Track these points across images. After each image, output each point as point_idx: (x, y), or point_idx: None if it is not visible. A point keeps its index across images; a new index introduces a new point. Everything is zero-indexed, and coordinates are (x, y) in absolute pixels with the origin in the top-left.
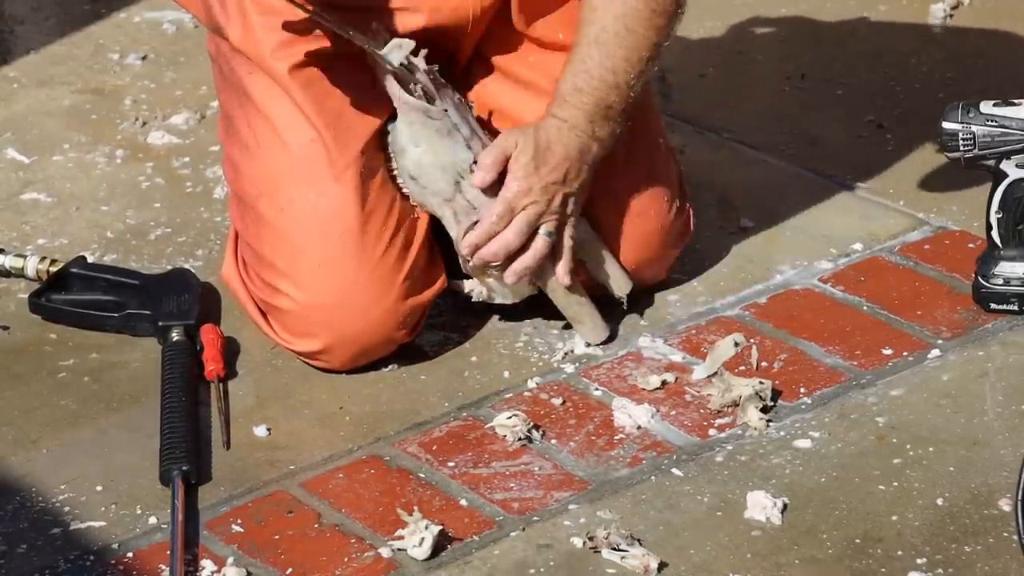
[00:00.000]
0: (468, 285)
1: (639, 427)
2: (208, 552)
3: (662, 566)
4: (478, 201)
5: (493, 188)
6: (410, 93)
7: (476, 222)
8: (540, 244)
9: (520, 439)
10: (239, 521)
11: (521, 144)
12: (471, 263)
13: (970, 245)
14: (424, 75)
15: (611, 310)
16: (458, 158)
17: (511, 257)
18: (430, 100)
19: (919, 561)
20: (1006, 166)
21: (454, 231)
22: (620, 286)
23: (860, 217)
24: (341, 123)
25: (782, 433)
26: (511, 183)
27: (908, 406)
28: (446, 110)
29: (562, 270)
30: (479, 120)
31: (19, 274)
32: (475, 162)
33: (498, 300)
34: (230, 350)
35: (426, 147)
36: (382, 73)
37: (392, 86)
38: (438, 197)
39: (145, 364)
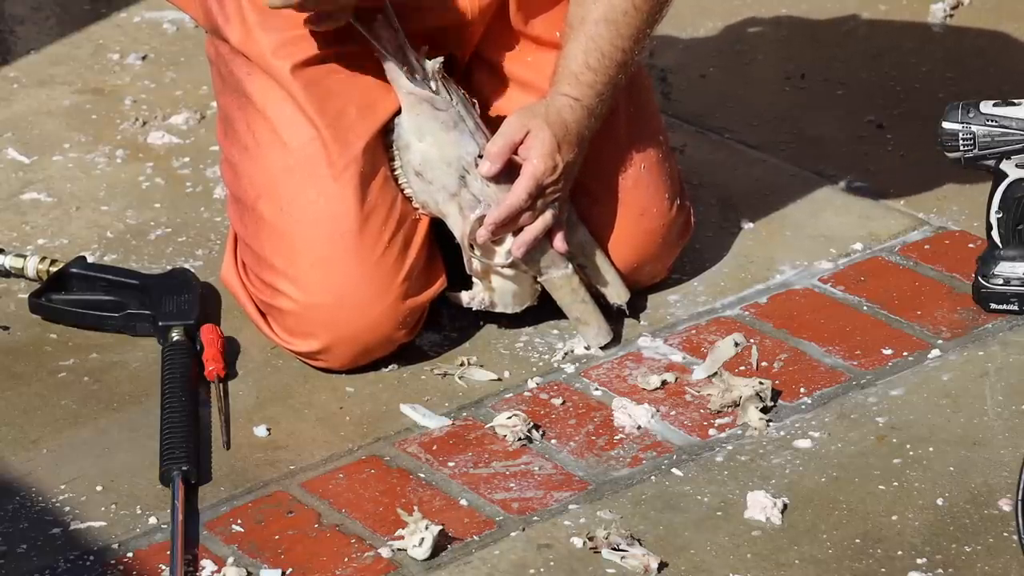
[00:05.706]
0: (467, 296)
1: (639, 427)
2: (208, 552)
3: (662, 566)
4: (483, 194)
5: (498, 179)
6: (416, 84)
7: (483, 216)
8: (548, 215)
9: (520, 439)
10: (239, 521)
11: (536, 125)
12: (481, 239)
13: (970, 245)
14: (431, 66)
15: (611, 310)
16: (463, 151)
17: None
18: (436, 93)
19: (919, 561)
20: (1006, 166)
21: (459, 226)
22: (619, 294)
23: (860, 217)
24: (342, 122)
25: (782, 433)
26: (536, 161)
27: (908, 406)
28: (452, 100)
29: (558, 239)
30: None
31: (19, 274)
32: (480, 156)
33: (499, 309)
34: (230, 350)
35: (431, 140)
36: (389, 66)
37: (399, 78)
38: (443, 192)
39: (145, 364)
